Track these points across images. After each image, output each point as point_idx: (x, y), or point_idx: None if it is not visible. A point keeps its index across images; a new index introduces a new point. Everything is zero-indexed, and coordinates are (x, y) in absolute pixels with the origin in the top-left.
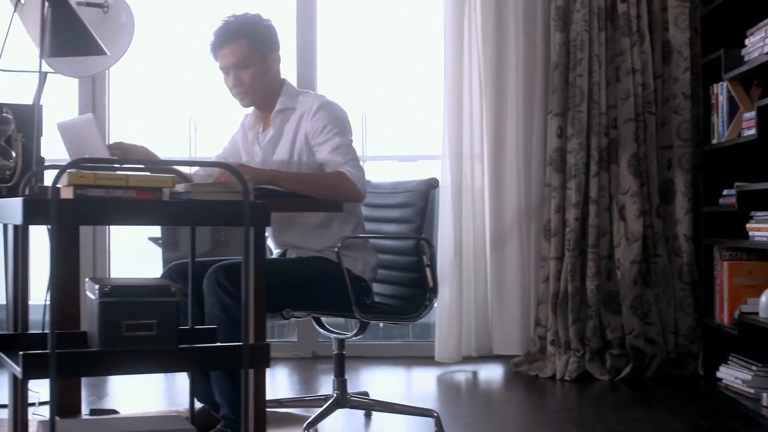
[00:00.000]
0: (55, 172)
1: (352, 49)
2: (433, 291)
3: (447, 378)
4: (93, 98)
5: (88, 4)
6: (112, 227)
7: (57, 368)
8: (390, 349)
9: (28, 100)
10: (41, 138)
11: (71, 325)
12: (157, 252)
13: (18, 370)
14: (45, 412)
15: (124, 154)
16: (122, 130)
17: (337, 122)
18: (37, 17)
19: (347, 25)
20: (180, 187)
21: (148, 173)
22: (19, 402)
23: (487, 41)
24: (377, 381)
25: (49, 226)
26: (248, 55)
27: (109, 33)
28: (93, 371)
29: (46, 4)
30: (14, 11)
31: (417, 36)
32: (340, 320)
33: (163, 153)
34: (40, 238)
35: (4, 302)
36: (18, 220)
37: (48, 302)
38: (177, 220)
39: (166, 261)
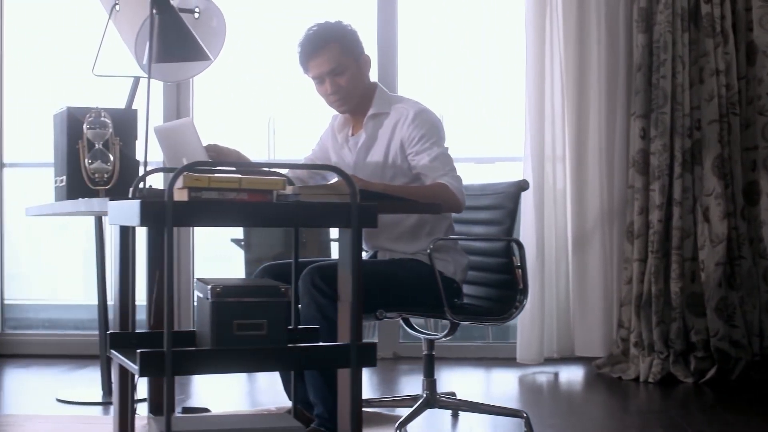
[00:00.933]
0: (161, 174)
1: (431, 50)
2: (524, 292)
3: (529, 379)
4: (177, 102)
5: (180, 10)
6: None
7: (172, 366)
8: (470, 351)
9: (119, 105)
10: (136, 141)
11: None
12: (234, 253)
13: (135, 368)
14: (141, 409)
15: (219, 156)
16: (205, 132)
17: (434, 131)
18: (132, 24)
19: (427, 26)
20: (288, 189)
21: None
22: (129, 398)
23: (568, 43)
24: (459, 382)
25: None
26: (342, 60)
27: (201, 38)
28: (206, 369)
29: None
30: (109, 19)
31: (496, 37)
32: (421, 321)
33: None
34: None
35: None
36: (135, 221)
37: (150, 302)
38: (286, 221)
39: (247, 262)
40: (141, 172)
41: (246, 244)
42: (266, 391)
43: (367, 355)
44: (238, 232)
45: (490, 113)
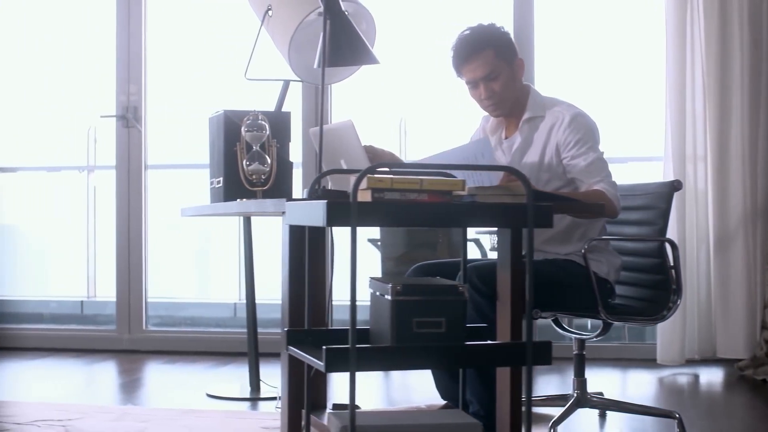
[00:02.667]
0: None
1: (567, 48)
2: (678, 293)
3: (669, 380)
4: (315, 104)
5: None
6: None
7: (357, 362)
8: (606, 351)
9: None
10: (290, 143)
11: (321, 321)
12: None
13: (320, 364)
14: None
15: (375, 158)
16: None
17: (589, 135)
18: (285, 28)
19: (564, 24)
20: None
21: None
22: (306, 394)
23: (710, 40)
24: (598, 382)
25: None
26: (497, 65)
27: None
28: (387, 366)
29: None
30: (261, 24)
31: (634, 35)
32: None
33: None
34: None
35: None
36: (320, 222)
37: (331, 301)
38: (465, 221)
39: (384, 262)
40: (295, 173)
41: (384, 244)
42: (399, 388)
43: (543, 353)
44: (376, 232)
45: (625, 112)
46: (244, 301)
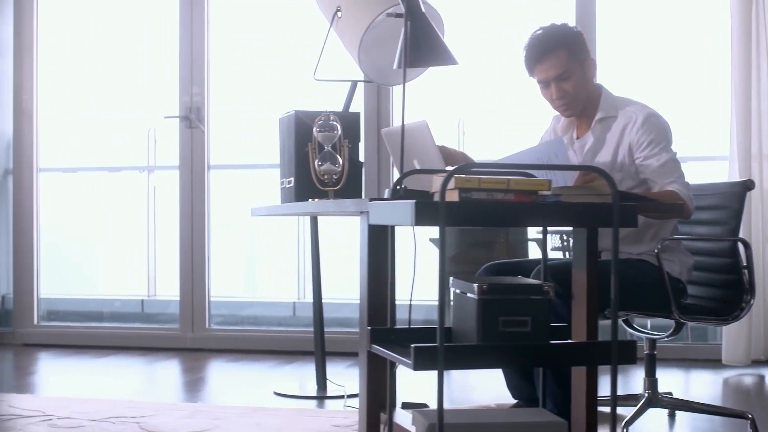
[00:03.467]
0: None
1: (629, 45)
2: (751, 292)
3: (735, 381)
4: (378, 103)
5: (397, 15)
6: None
7: (444, 361)
8: (669, 351)
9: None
10: (360, 143)
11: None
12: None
13: (409, 362)
14: (354, 403)
15: (448, 158)
16: None
17: (662, 136)
18: (354, 29)
19: (626, 21)
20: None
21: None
22: (388, 392)
23: None
24: (664, 382)
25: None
26: (569, 66)
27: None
28: (473, 364)
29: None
30: (330, 26)
31: (697, 34)
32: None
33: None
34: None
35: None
36: (408, 221)
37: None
38: (552, 221)
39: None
40: (365, 173)
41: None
42: (458, 388)
43: (627, 353)
44: (434, 232)
45: (686, 111)
46: (304, 300)
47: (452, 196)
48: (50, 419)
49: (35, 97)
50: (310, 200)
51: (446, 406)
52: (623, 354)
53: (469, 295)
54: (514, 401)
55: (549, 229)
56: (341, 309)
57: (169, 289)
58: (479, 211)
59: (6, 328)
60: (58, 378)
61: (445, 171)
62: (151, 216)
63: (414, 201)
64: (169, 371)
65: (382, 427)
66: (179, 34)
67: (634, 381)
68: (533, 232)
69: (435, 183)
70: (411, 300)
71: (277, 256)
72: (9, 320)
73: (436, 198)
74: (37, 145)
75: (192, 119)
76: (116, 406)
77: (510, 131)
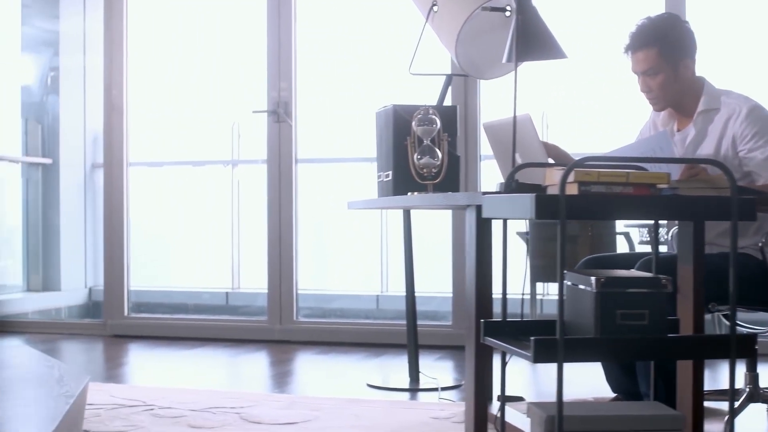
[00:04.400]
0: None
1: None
2: None
3: None
4: (465, 97)
5: (492, 9)
6: None
7: (564, 353)
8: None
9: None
10: (457, 137)
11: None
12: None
13: (528, 355)
14: (449, 395)
15: (550, 151)
16: None
17: (767, 128)
18: (450, 23)
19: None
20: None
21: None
22: (501, 384)
23: None
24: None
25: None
26: (657, 63)
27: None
28: (591, 357)
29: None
30: (426, 20)
31: None
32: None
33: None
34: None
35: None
36: (528, 215)
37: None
38: (669, 214)
39: (532, 255)
40: (463, 166)
41: (533, 237)
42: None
43: (746, 346)
44: (522, 225)
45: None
46: (387, 293)
47: (571, 190)
48: (152, 409)
49: (125, 92)
50: (409, 193)
51: (543, 399)
52: (742, 347)
53: (585, 288)
54: (613, 395)
55: (632, 222)
56: (426, 303)
57: (252, 282)
58: (599, 205)
59: (96, 319)
60: (149, 368)
61: (562, 165)
62: (235, 209)
63: (534, 194)
64: (258, 363)
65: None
66: (267, 29)
67: (722, 376)
68: (621, 225)
69: (549, 176)
70: (522, 294)
71: (360, 249)
72: (99, 312)
73: (551, 191)
74: (127, 140)
75: (280, 114)
76: (214, 397)
77: (592, 125)
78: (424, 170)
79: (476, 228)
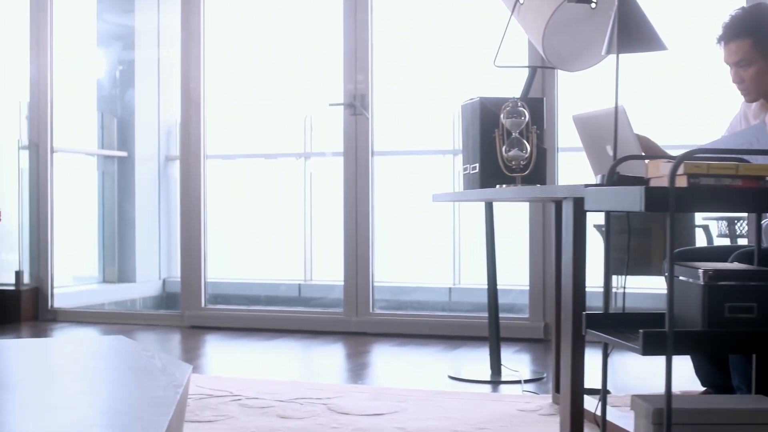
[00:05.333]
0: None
1: None
2: None
3: None
4: (542, 90)
5: (578, 1)
6: None
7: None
8: None
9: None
10: (544, 129)
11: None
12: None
13: (636, 347)
14: (532, 388)
15: (642, 144)
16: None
17: None
18: (538, 15)
19: None
20: None
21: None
22: (602, 379)
23: None
24: None
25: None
26: (751, 55)
27: (598, 29)
28: (699, 350)
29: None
30: (512, 13)
31: None
32: None
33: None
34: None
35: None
36: (636, 207)
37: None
38: None
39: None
40: (550, 159)
41: (606, 230)
42: (632, 376)
43: None
44: (600, 218)
45: None
46: (459, 286)
47: (680, 182)
48: (239, 399)
49: (202, 85)
50: (497, 186)
51: (619, 392)
52: None
53: (692, 281)
54: (702, 389)
55: (711, 215)
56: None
57: (325, 274)
58: (708, 197)
59: (172, 310)
60: (228, 359)
61: (671, 157)
62: (307, 202)
63: (643, 187)
64: (335, 354)
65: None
66: (343, 21)
67: None
68: (699, 218)
69: (652, 169)
70: (624, 287)
71: (432, 242)
72: (172, 303)
73: (654, 183)
74: (204, 132)
75: (356, 106)
76: (299, 388)
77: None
78: (513, 163)
79: (573, 220)
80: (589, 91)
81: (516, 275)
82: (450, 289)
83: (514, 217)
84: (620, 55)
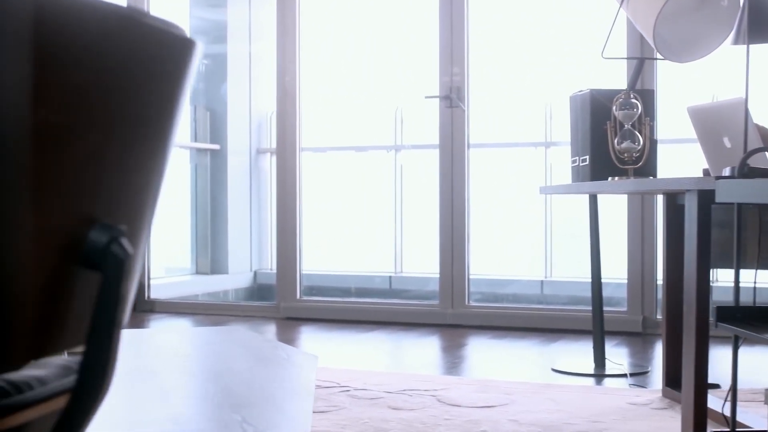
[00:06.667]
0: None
1: None
2: None
3: None
4: (642, 81)
5: None
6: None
7: None
8: None
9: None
10: (655, 120)
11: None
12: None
13: None
14: (638, 381)
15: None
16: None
17: None
18: (649, 7)
19: None
20: None
21: None
22: (732, 373)
23: None
24: None
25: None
26: None
27: (709, 19)
28: None
29: None
30: (620, 5)
31: None
32: None
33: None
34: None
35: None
36: None
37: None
38: None
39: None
40: (659, 151)
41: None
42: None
43: None
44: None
45: None
46: (552, 279)
47: None
48: (348, 390)
49: (297, 79)
50: (609, 179)
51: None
52: None
53: None
54: None
55: None
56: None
57: (415, 266)
58: None
59: (265, 302)
60: (327, 351)
61: None
62: (398, 194)
63: None
64: (432, 346)
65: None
66: (439, 14)
67: None
68: None
69: None
70: (755, 281)
71: (524, 234)
72: (264, 294)
73: None
74: (300, 125)
75: (452, 99)
76: (405, 379)
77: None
78: (625, 155)
79: (698, 213)
80: (687, 83)
81: (611, 268)
82: (542, 282)
83: (606, 210)
84: (735, 46)
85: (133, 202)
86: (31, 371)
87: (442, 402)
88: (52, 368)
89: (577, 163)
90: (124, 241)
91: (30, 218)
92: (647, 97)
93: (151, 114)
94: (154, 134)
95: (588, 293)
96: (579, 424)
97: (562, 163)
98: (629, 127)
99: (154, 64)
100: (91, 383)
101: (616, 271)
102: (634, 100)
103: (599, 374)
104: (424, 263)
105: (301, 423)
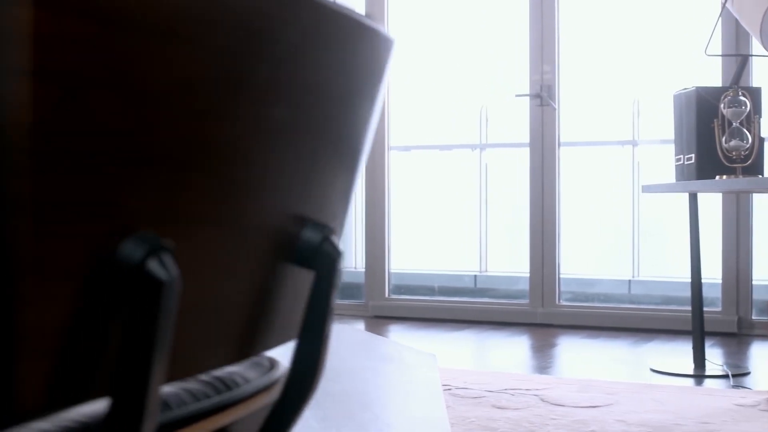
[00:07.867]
0: None
1: None
2: None
3: None
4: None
5: None
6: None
7: None
8: None
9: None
10: (761, 119)
11: None
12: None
13: None
14: (742, 382)
15: None
16: None
17: None
18: (757, 3)
19: None
20: None
21: None
22: None
23: None
24: None
25: None
26: None
27: None
28: None
29: None
30: (725, 4)
31: None
32: None
33: None
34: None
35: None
36: None
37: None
38: None
39: None
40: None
41: None
42: None
43: None
44: None
45: None
46: (638, 278)
47: None
48: (449, 389)
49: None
50: (717, 177)
51: None
52: None
53: None
54: None
55: None
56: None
57: (500, 265)
58: None
59: (354, 300)
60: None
61: None
62: (483, 193)
63: None
64: (523, 345)
65: None
66: (529, 13)
67: None
68: None
69: None
70: None
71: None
72: (350, 292)
73: None
74: (389, 124)
75: (543, 97)
76: (505, 379)
77: None
78: (733, 153)
79: None
80: None
81: (703, 268)
82: (629, 281)
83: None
84: None
85: (338, 202)
86: (231, 368)
87: (546, 401)
88: (246, 366)
89: (681, 162)
90: (335, 240)
91: (254, 217)
92: (755, 95)
93: (359, 114)
94: (356, 134)
95: (677, 293)
96: (688, 425)
97: (650, 161)
98: (737, 125)
99: (366, 64)
100: (304, 376)
101: (707, 270)
102: (742, 98)
103: (699, 375)
104: (510, 262)
105: (439, 424)
